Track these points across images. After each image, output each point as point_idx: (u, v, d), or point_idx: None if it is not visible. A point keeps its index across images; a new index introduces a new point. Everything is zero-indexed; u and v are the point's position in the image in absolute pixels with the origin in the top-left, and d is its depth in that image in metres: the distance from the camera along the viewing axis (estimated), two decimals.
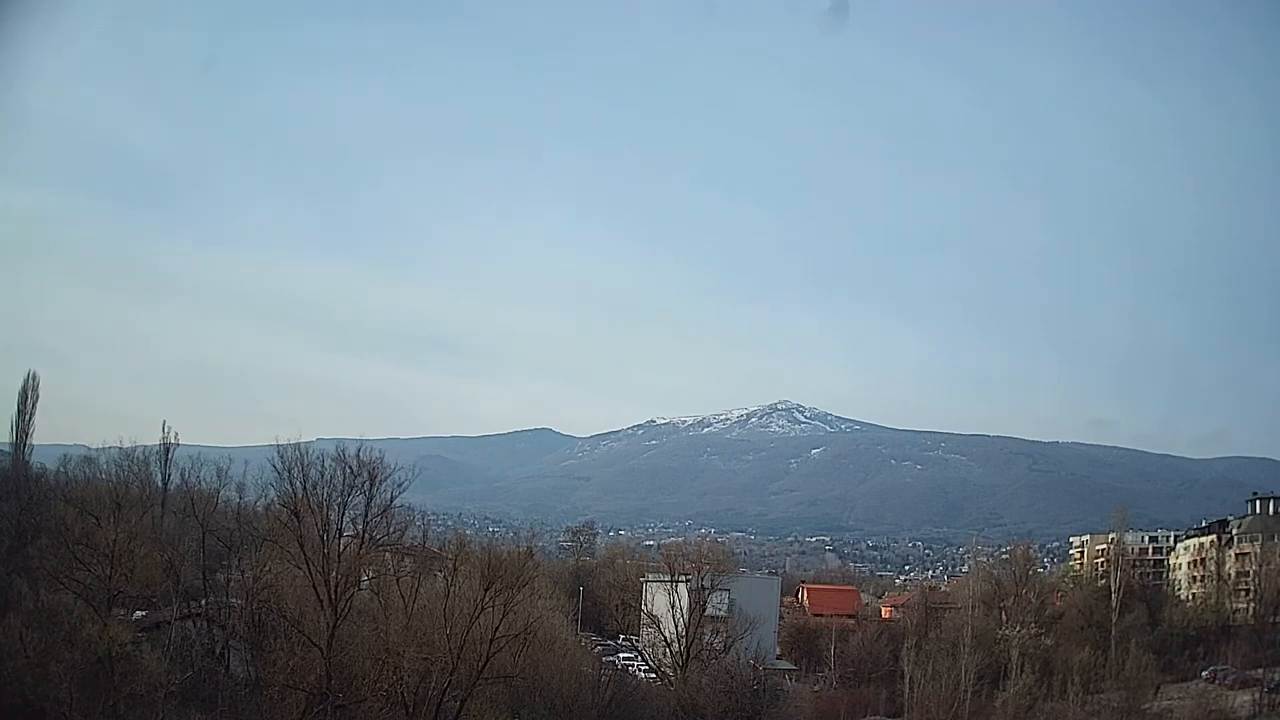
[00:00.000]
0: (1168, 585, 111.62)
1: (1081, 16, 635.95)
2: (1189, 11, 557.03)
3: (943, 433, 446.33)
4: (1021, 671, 64.36)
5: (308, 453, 42.02)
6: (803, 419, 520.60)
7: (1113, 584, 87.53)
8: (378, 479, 42.73)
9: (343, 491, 42.11)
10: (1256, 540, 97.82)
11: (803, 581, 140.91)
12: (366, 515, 43.06)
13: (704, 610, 65.24)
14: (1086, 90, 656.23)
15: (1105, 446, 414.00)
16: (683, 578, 68.62)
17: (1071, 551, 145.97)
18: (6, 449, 71.08)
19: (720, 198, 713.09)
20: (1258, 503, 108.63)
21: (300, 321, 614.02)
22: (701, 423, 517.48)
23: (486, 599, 40.46)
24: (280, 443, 42.29)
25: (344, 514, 42.97)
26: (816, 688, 76.49)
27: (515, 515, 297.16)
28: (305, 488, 41.75)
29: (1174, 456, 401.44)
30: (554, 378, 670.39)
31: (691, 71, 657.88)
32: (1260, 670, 72.28)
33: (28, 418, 69.43)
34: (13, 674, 33.99)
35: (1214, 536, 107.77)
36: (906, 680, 61.90)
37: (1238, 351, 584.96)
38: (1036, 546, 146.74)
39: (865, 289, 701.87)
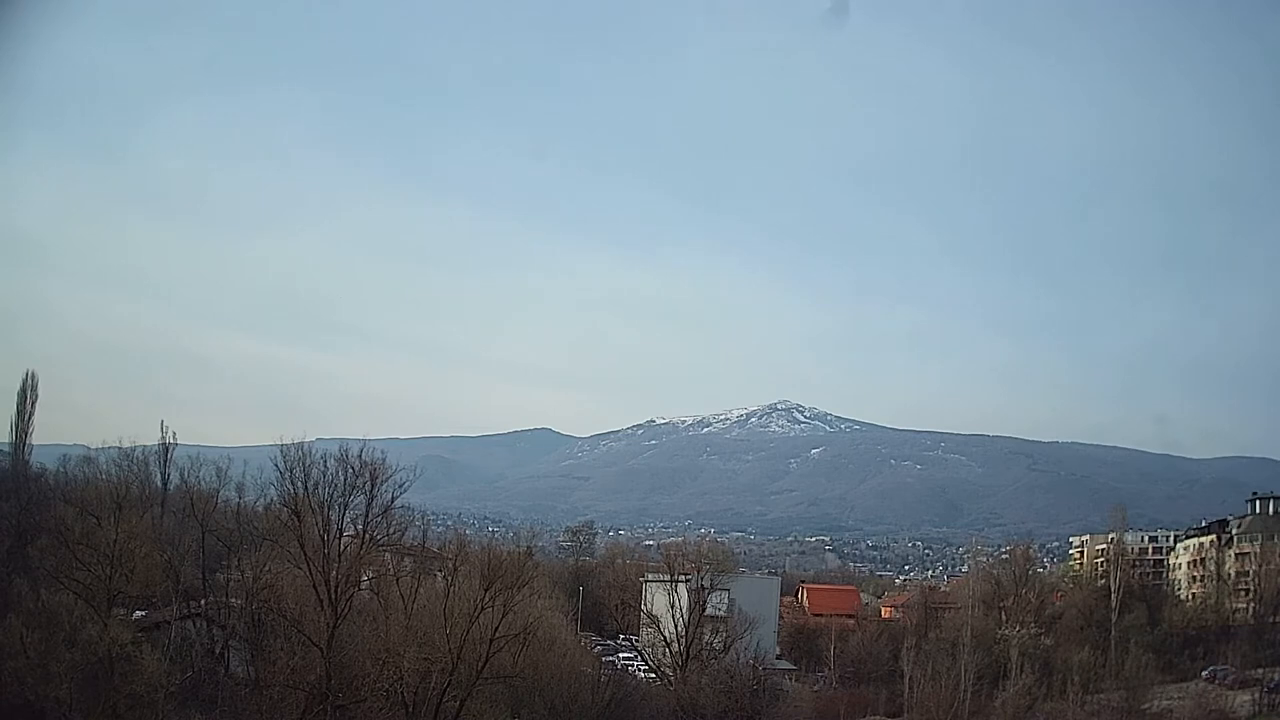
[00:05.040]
0: (1168, 585, 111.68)
1: (1079, 13, 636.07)
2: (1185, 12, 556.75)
3: (943, 433, 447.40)
4: (1021, 671, 64.25)
5: (309, 453, 42.11)
6: (803, 419, 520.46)
7: (1112, 584, 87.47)
8: (379, 479, 42.78)
9: (344, 491, 42.20)
10: (1256, 540, 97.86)
11: (803, 581, 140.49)
12: (367, 515, 43.08)
13: (704, 610, 65.20)
14: (1088, 88, 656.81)
15: (1105, 446, 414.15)
16: (682, 578, 68.55)
17: (1071, 551, 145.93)
18: (6, 449, 71.05)
19: (719, 196, 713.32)
20: (1258, 503, 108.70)
21: (298, 321, 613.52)
22: (701, 423, 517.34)
23: (486, 599, 40.46)
24: (282, 442, 42.38)
25: (344, 514, 43.04)
26: (816, 688, 76.34)
27: (515, 515, 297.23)
28: (306, 487, 41.79)
29: (1174, 456, 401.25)
30: (554, 378, 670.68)
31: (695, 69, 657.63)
32: (1260, 670, 72.25)
33: (27, 418, 69.49)
34: (13, 674, 34.01)
35: (1214, 536, 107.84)
36: (906, 680, 61.86)
37: (1238, 351, 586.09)
38: (1036, 546, 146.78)
39: (865, 288, 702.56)
